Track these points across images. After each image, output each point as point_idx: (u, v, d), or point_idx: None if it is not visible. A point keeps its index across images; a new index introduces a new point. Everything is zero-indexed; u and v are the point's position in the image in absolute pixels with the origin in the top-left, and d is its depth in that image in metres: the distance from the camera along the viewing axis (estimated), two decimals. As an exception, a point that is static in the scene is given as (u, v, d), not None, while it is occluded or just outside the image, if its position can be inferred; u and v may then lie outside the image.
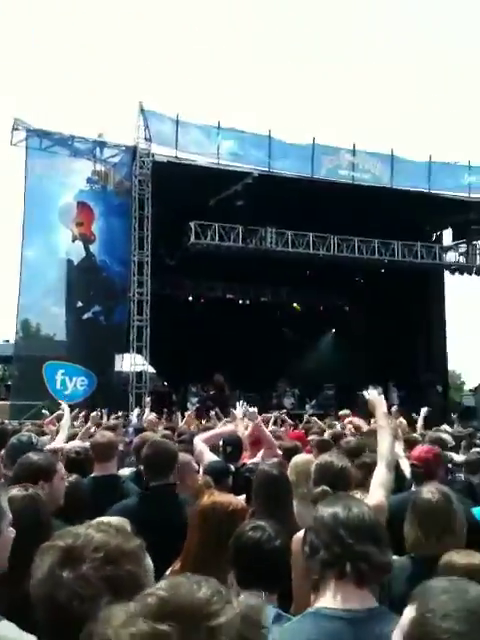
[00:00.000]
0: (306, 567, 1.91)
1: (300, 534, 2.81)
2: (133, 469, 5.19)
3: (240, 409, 6.43)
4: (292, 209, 16.88)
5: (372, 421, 5.99)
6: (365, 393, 3.59)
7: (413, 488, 3.79)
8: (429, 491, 2.82)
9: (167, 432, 6.50)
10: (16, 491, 2.41)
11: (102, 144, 17.38)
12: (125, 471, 5.15)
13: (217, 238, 17.48)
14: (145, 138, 16.66)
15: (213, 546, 2.46)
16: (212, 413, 10.77)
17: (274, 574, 2.23)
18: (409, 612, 1.08)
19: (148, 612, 0.80)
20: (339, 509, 1.88)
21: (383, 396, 3.57)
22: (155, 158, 16.57)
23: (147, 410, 11.49)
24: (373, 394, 3.49)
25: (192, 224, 17.22)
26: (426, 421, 7.97)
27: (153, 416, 10.61)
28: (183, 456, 4.09)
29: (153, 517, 3.24)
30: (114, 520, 2.04)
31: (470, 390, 25.70)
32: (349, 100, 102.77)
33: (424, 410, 7.51)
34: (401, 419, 10.50)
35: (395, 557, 2.72)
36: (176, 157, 16.49)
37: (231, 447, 5.44)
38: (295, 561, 2.28)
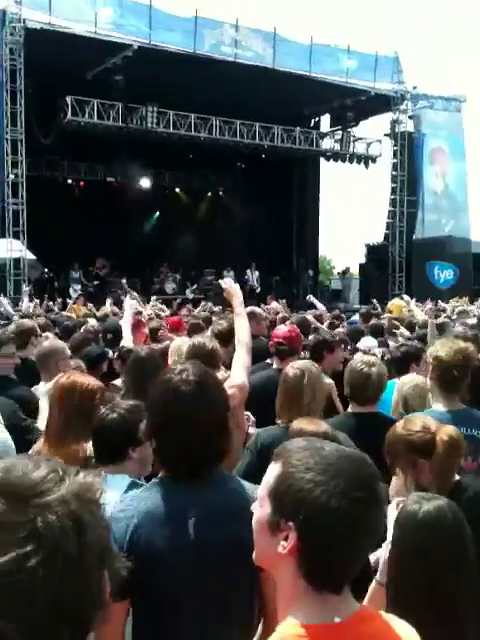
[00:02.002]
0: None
1: None
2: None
3: (128, 299, 6.67)
4: (173, 86, 16.40)
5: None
6: (221, 282, 3.77)
7: (275, 364, 4.34)
8: (291, 367, 3.28)
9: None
10: None
11: (-34, 6, 15.57)
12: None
13: (96, 116, 16.70)
14: (15, 1, 15.13)
15: (71, 421, 2.61)
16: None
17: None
18: (273, 469, 1.19)
19: None
20: None
21: (238, 284, 3.74)
22: (27, 24, 15.21)
23: (26, 298, 11.27)
24: (229, 283, 3.68)
25: (68, 99, 16.33)
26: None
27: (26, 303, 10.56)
28: (55, 343, 4.17)
29: None
30: None
31: (338, 273, 27.36)
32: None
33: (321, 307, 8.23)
34: (278, 303, 11.26)
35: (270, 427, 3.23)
36: (50, 24, 15.27)
37: (111, 334, 5.80)
38: None
